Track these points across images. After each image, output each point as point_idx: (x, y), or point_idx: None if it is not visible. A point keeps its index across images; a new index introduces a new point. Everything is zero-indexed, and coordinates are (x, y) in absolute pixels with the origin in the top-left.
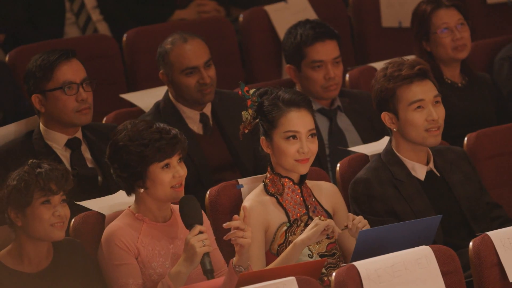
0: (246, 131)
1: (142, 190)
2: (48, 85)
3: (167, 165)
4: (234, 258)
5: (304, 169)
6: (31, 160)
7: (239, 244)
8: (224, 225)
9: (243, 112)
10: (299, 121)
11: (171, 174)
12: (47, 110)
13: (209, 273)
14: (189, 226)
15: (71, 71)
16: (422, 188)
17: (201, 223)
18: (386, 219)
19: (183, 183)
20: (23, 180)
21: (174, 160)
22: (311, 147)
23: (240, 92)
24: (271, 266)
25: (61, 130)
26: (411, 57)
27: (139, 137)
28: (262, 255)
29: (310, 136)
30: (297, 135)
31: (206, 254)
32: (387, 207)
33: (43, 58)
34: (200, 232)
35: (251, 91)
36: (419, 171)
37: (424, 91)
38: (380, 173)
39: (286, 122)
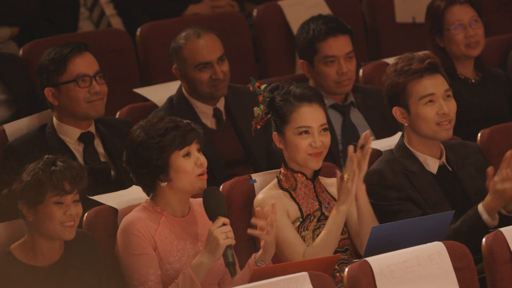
0: (259, 127)
1: (164, 183)
2: (61, 78)
3: (188, 154)
4: (258, 253)
5: (316, 164)
6: (46, 156)
7: (263, 240)
8: (252, 220)
9: (255, 108)
10: (311, 116)
11: (193, 162)
12: (60, 103)
13: (231, 266)
14: (212, 217)
15: (84, 64)
16: (435, 181)
17: (225, 215)
18: (403, 203)
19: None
20: (37, 177)
21: (194, 148)
22: (324, 140)
23: (251, 88)
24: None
25: (74, 124)
26: (424, 53)
27: (154, 129)
28: (295, 233)
29: (322, 131)
30: (309, 130)
31: (229, 246)
32: (402, 195)
33: (56, 52)
34: (224, 224)
35: (262, 87)
36: (432, 164)
37: (434, 85)
38: (393, 164)
39: (298, 117)
